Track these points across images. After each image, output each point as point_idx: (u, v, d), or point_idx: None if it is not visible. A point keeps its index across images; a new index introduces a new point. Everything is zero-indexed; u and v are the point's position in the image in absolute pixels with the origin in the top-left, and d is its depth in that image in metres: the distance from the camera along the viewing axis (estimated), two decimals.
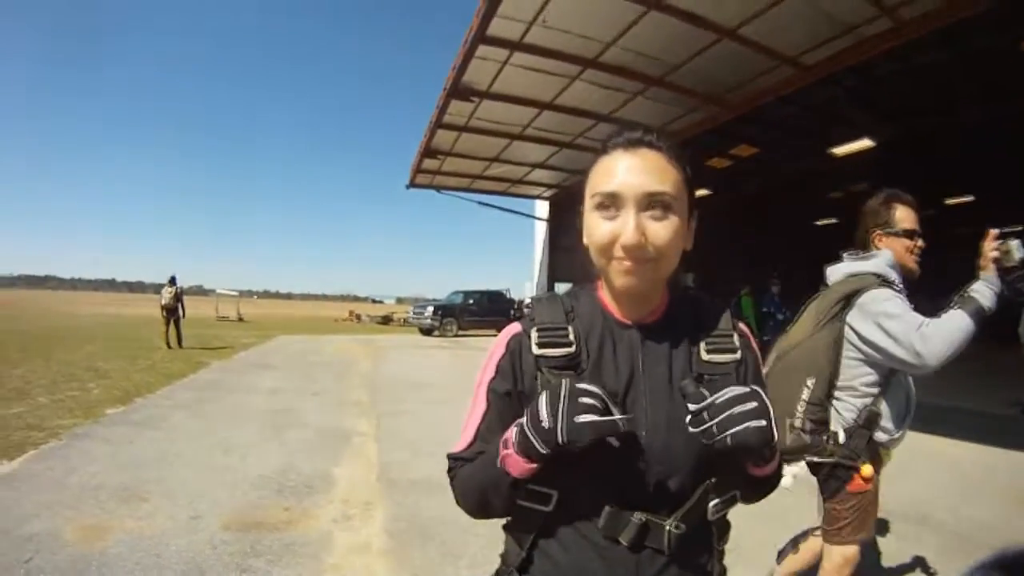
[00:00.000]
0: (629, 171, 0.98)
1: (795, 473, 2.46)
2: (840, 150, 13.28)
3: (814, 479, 2.48)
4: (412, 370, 13.38)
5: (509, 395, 1.08)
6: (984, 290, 2.11)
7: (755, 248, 22.13)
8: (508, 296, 26.80)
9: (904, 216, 2.45)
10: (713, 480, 1.03)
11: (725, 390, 0.92)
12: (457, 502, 1.14)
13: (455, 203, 19.33)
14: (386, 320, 36.05)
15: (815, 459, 2.38)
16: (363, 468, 5.63)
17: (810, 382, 2.36)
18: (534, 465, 0.94)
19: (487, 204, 19.86)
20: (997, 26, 8.26)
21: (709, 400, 0.92)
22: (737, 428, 0.88)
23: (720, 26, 7.66)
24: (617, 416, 0.90)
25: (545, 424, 0.88)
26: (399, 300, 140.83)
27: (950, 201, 17.72)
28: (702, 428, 0.91)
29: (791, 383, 2.40)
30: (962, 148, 12.94)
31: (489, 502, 1.06)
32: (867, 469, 2.29)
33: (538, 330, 1.07)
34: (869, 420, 2.31)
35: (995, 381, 3.44)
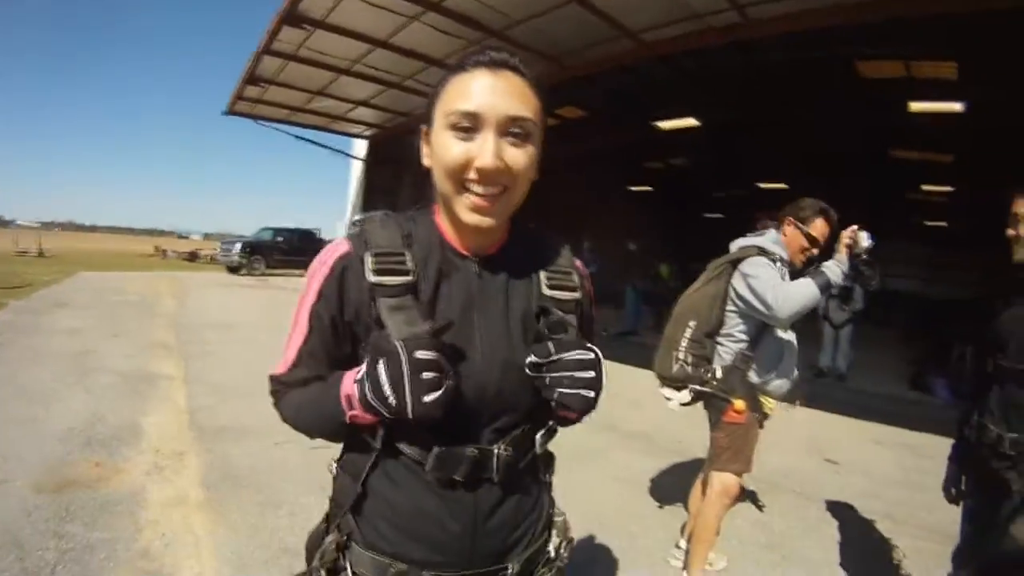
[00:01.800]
0: (492, 92, 0.93)
1: (681, 400, 2.94)
2: (665, 124, 13.90)
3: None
4: (218, 309, 12.81)
5: (334, 322, 1.03)
6: (834, 268, 2.62)
7: (571, 206, 22.88)
8: (319, 236, 25.97)
9: (819, 226, 2.89)
10: (539, 413, 1.06)
11: (572, 352, 0.96)
12: (284, 421, 1.12)
13: (271, 135, 18.10)
14: (192, 256, 33.67)
15: (697, 387, 2.88)
16: (172, 415, 5.36)
17: (691, 324, 2.90)
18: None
19: (305, 139, 18.80)
20: (837, 41, 8.75)
21: (554, 357, 0.95)
22: (567, 391, 0.94)
23: None
24: (450, 382, 0.89)
25: (392, 401, 0.85)
26: (206, 236, 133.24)
27: (763, 185, 19.23)
28: (535, 376, 0.97)
29: (679, 325, 2.95)
30: (784, 140, 14.00)
31: (325, 432, 1.07)
32: (739, 403, 2.78)
33: (375, 255, 0.99)
34: (742, 360, 2.82)
35: (801, 350, 3.84)
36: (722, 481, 2.91)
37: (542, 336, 1.04)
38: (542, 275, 1.10)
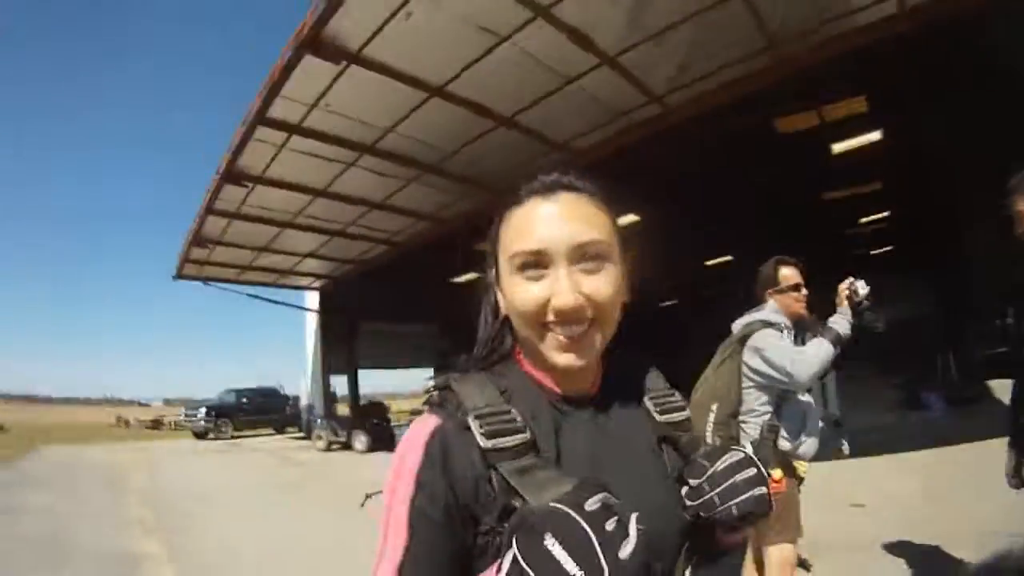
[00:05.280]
0: (552, 221, 0.85)
1: None
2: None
3: None
4: (194, 479, 12.37)
5: (448, 512, 0.81)
6: (840, 320, 2.77)
7: None
8: (283, 392, 25.90)
9: (788, 275, 3.07)
10: (688, 552, 0.93)
11: (724, 458, 0.87)
12: None
13: (223, 294, 17.66)
14: (156, 424, 32.91)
15: None
16: None
17: (714, 407, 2.94)
18: None
19: (257, 297, 18.18)
20: (752, 108, 8.75)
21: (711, 471, 0.86)
22: (742, 497, 0.83)
23: (498, 114, 8.00)
24: (634, 521, 0.65)
25: None
26: (167, 402, 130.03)
27: (710, 263, 20.03)
28: (701, 500, 0.85)
29: (701, 411, 2.94)
30: (723, 212, 14.58)
31: None
32: (777, 473, 2.71)
33: (478, 417, 0.82)
34: (769, 430, 2.85)
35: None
36: (780, 553, 2.91)
37: (681, 466, 0.93)
38: (648, 402, 1.00)
